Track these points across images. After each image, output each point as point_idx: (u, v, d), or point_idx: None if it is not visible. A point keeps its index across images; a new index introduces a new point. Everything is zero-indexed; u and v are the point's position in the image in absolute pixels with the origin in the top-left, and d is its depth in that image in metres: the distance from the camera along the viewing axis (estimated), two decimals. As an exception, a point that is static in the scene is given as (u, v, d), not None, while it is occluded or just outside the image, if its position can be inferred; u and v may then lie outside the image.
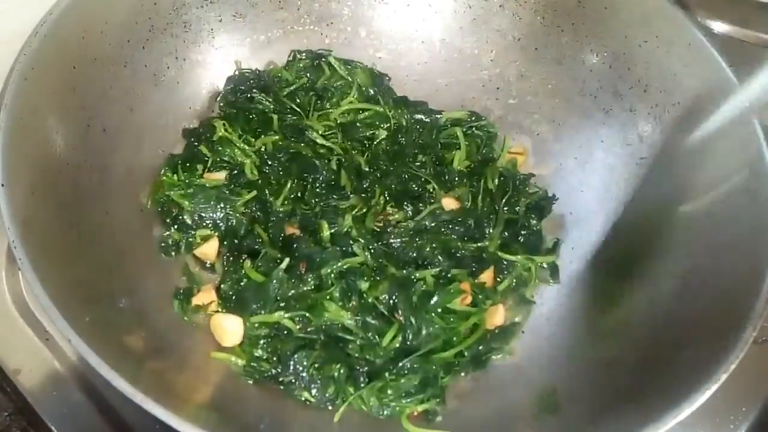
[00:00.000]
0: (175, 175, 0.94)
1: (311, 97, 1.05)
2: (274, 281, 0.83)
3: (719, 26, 1.05)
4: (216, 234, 0.92)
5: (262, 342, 0.83)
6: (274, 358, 0.82)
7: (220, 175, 0.95)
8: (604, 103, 1.00)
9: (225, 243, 0.92)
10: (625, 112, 0.98)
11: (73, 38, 0.83)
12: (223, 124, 0.98)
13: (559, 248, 0.98)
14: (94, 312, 0.69)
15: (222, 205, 0.92)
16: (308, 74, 1.07)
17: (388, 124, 1.04)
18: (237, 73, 1.05)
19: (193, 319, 0.86)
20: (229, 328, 0.83)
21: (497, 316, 0.90)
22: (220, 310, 0.86)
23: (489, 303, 0.90)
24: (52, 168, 0.77)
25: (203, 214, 0.91)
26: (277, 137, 0.98)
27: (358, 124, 1.04)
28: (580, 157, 1.02)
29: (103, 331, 0.68)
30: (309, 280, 0.84)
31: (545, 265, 0.96)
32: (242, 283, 0.86)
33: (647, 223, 0.92)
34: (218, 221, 0.92)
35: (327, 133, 1.02)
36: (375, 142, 1.03)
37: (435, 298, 0.85)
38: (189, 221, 0.91)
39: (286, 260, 0.84)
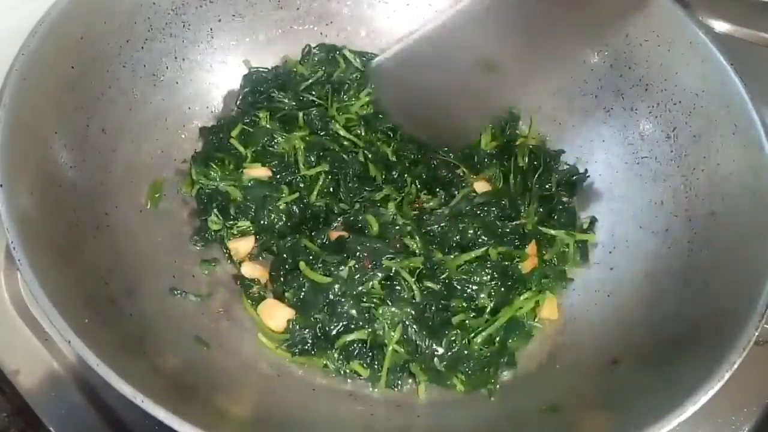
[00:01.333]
0: (209, 170, 0.94)
1: (328, 89, 1.04)
2: (338, 282, 0.83)
3: (720, 25, 1.05)
4: (253, 231, 0.92)
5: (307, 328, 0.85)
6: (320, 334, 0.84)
7: (262, 171, 0.95)
8: (605, 102, 1.00)
9: (259, 239, 0.93)
10: (626, 111, 0.98)
11: (72, 38, 0.83)
12: (267, 115, 0.99)
13: (595, 226, 0.98)
14: (93, 313, 0.69)
15: (265, 201, 0.92)
16: (323, 67, 1.07)
17: None
18: (252, 71, 1.05)
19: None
20: (279, 315, 0.86)
21: (549, 309, 0.90)
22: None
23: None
24: (52, 168, 0.77)
25: (248, 206, 0.92)
26: (305, 132, 0.99)
27: (380, 115, 1.04)
28: (582, 156, 1.02)
29: (103, 332, 0.68)
30: (377, 274, 0.84)
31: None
32: (305, 289, 0.85)
33: (648, 223, 0.92)
34: (260, 217, 0.92)
35: (350, 125, 1.02)
36: (399, 132, 1.03)
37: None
38: (232, 213, 0.92)
39: (352, 261, 0.84)
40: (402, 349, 0.82)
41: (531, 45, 1.00)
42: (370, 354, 0.83)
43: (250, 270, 0.91)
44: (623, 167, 0.97)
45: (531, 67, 1.03)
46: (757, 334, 0.69)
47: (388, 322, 0.82)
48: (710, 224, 0.84)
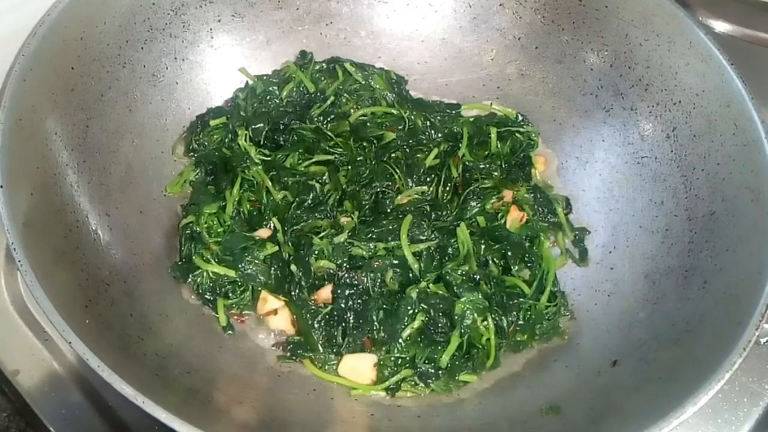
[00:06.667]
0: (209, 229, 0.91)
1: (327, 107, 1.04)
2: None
3: (720, 25, 1.05)
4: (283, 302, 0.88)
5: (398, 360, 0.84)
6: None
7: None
8: (604, 102, 1.00)
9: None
10: (626, 111, 0.98)
11: (71, 39, 0.83)
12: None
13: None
14: (94, 314, 0.69)
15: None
16: (323, 77, 1.06)
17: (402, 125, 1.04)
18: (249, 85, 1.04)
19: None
20: (365, 365, 0.84)
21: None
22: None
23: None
24: (52, 169, 0.77)
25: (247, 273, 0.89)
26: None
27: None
28: (582, 156, 1.02)
29: (103, 333, 0.68)
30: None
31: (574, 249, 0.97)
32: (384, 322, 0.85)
33: (648, 223, 0.92)
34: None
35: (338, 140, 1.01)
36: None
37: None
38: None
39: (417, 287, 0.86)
40: (494, 337, 0.84)
41: None
42: (469, 357, 0.85)
43: (282, 323, 0.87)
44: (623, 167, 0.97)
45: None
46: (757, 334, 0.69)
47: (474, 314, 0.84)
48: (710, 224, 0.84)
